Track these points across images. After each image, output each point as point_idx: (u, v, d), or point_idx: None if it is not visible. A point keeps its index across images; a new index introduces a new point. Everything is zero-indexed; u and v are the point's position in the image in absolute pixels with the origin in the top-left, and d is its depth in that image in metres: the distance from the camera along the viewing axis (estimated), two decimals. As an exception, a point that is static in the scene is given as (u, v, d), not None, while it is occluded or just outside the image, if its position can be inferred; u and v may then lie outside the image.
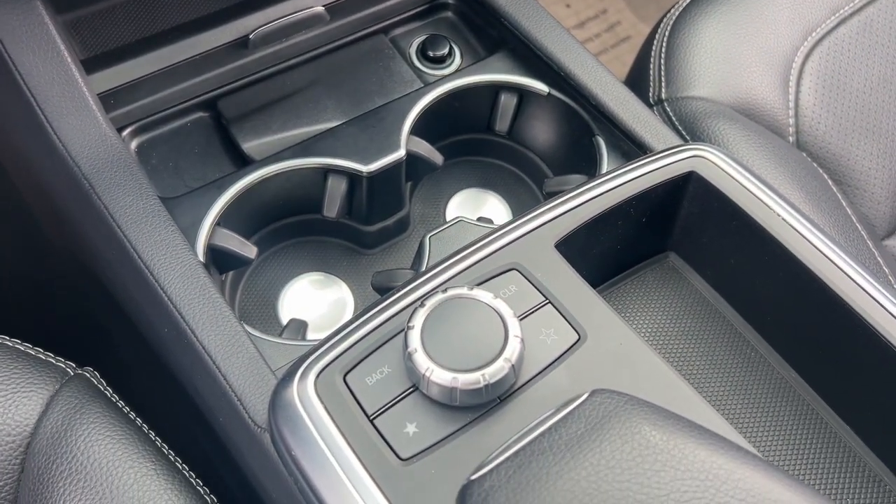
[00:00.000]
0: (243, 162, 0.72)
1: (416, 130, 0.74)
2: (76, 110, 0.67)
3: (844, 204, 0.81)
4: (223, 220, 0.67)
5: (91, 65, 0.71)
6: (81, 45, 0.74)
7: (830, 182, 0.83)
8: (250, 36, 0.74)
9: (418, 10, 0.83)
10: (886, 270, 0.79)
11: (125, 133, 0.72)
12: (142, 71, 0.73)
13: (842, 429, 0.59)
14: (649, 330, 0.63)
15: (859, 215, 0.82)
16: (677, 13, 0.89)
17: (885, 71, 0.90)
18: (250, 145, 0.72)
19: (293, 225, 0.76)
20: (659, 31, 0.88)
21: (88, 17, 0.77)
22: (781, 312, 0.61)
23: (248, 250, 0.68)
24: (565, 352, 0.53)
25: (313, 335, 0.70)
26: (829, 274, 0.57)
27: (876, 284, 0.57)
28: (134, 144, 0.73)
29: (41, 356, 0.67)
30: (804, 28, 0.89)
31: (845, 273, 0.57)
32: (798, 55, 0.88)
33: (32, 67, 0.67)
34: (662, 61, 0.85)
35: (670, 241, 0.66)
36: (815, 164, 0.84)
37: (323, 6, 0.77)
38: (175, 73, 0.73)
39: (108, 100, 0.71)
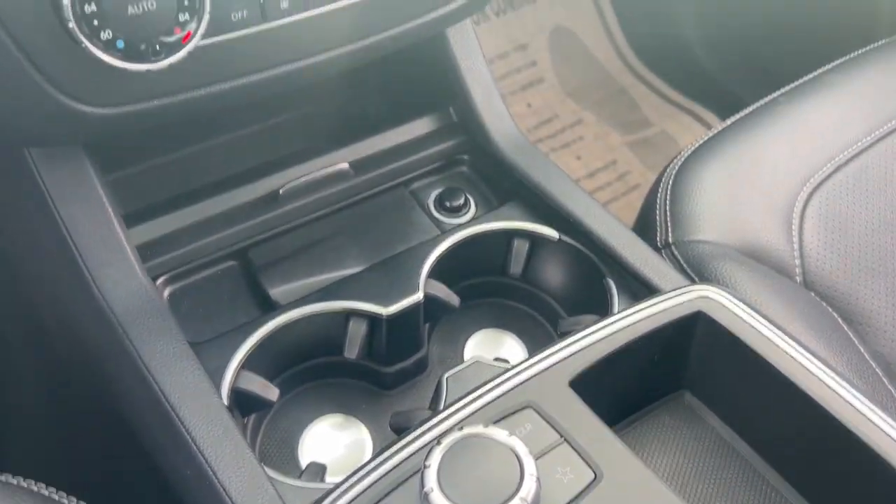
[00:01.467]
0: (269, 306, 0.75)
1: (434, 274, 0.77)
2: (116, 262, 0.71)
3: (857, 342, 0.82)
4: (248, 363, 0.70)
5: (132, 219, 0.76)
6: (124, 200, 0.79)
7: (840, 320, 0.84)
8: (280, 191, 0.80)
9: (436, 165, 0.89)
10: (906, 408, 0.79)
11: (159, 281, 0.76)
12: (178, 223, 0.77)
13: (870, 572, 0.57)
14: (666, 469, 0.62)
15: (872, 353, 0.82)
16: (680, 162, 0.94)
17: (884, 214, 0.93)
18: (277, 290, 0.76)
19: (314, 367, 0.78)
20: (663, 179, 0.93)
21: (132, 175, 0.84)
22: (800, 451, 0.61)
23: (271, 393, 0.70)
24: (582, 491, 0.53)
25: (332, 478, 0.70)
26: (842, 411, 0.57)
27: (894, 424, 0.57)
28: (167, 292, 0.76)
29: (54, 497, 0.67)
30: (802, 175, 0.93)
31: (859, 411, 0.57)
32: (798, 201, 0.92)
33: (78, 221, 0.71)
34: (668, 207, 0.89)
35: (684, 379, 0.67)
36: (825, 304, 0.86)
37: (347, 163, 0.84)
38: (209, 225, 0.78)
39: (146, 251, 0.75)
